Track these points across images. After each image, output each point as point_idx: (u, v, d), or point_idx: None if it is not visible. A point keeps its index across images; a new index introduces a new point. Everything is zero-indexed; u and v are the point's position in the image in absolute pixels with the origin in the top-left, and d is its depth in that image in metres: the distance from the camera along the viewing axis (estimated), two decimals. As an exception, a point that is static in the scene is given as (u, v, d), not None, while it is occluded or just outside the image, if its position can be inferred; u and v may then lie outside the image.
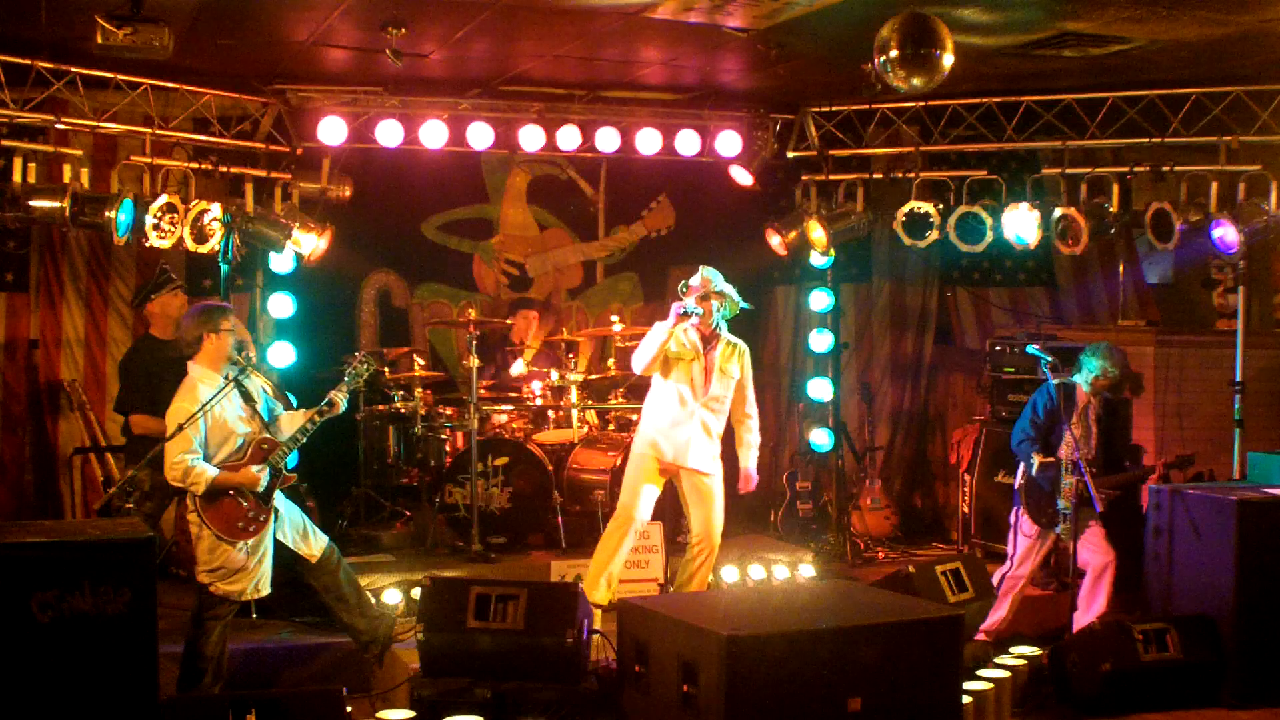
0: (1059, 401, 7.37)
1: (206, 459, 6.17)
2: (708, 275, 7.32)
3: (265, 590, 6.33)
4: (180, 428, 6.03)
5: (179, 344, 7.54)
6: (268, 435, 6.37)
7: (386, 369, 9.06)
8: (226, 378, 6.25)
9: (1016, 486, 7.51)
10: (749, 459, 7.51)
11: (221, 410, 6.23)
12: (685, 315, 7.14)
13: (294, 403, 8.56)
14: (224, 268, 7.90)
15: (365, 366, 6.77)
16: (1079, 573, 7.31)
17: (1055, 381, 7.44)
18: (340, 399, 6.54)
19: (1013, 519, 7.53)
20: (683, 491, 7.46)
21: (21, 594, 5.01)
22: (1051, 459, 7.29)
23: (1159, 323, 9.91)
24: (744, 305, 7.45)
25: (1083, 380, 7.45)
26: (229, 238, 7.91)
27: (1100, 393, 7.45)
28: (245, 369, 6.39)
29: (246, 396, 6.38)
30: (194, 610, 6.27)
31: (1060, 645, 6.87)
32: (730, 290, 7.34)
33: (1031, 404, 7.50)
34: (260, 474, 6.23)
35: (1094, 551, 7.28)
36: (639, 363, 7.30)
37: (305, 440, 6.46)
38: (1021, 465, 7.47)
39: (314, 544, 6.53)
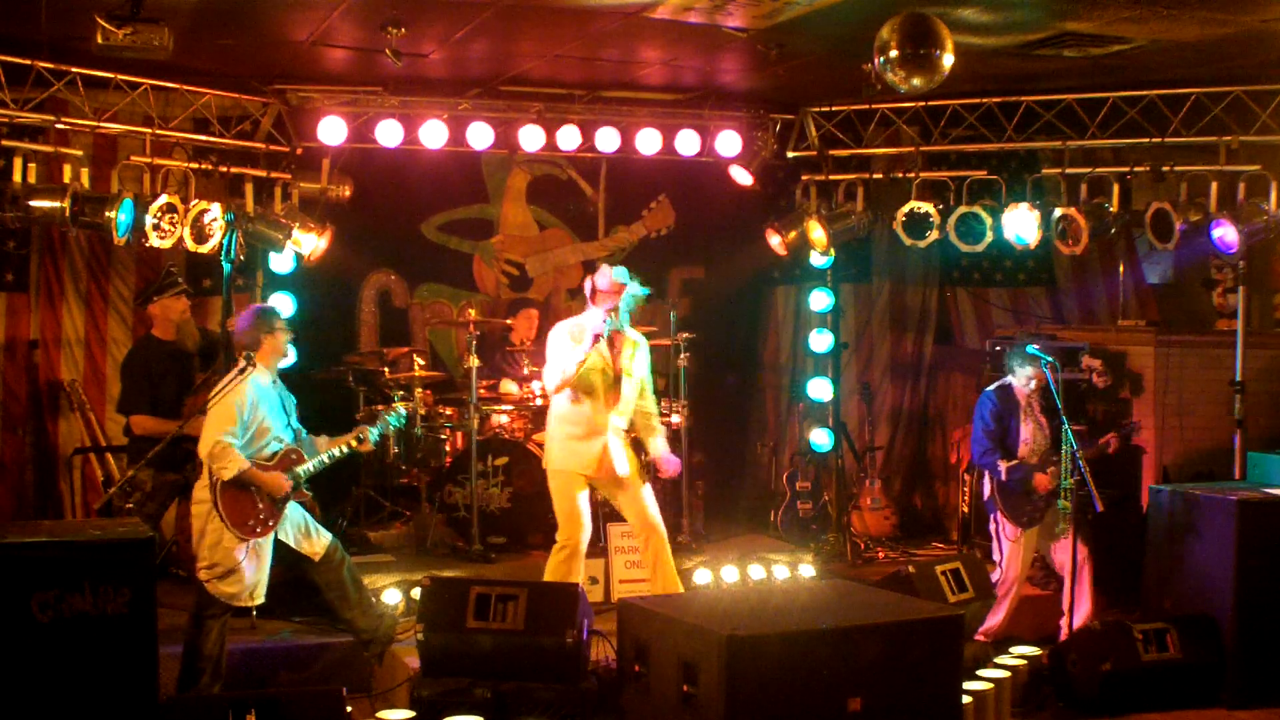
0: (1001, 405, 7.45)
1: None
2: (619, 278, 7.14)
3: (259, 599, 6.34)
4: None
5: (181, 344, 7.56)
6: (296, 448, 6.45)
7: (386, 369, 9.07)
8: (247, 365, 6.27)
9: (987, 497, 7.53)
10: (659, 446, 7.40)
11: (268, 413, 6.31)
12: (601, 336, 7.01)
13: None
14: (226, 266, 7.90)
15: (400, 418, 6.86)
16: (1061, 576, 7.34)
17: (991, 388, 7.55)
18: (370, 438, 6.67)
19: (992, 529, 7.55)
20: (609, 493, 7.39)
21: (21, 594, 5.01)
22: (1016, 461, 7.34)
23: (1159, 323, 9.90)
24: (644, 292, 7.23)
25: (1019, 380, 7.48)
26: (231, 236, 7.91)
27: (1031, 387, 7.48)
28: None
29: (283, 405, 6.49)
30: (192, 609, 6.28)
31: (1060, 645, 6.88)
32: (634, 287, 7.16)
33: (979, 416, 7.53)
34: (287, 483, 6.29)
35: (1068, 553, 7.31)
36: (554, 383, 7.12)
37: (328, 465, 6.57)
38: (989, 476, 7.49)
39: (316, 542, 6.54)
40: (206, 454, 6.13)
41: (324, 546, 6.55)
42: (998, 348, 9.35)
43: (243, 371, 6.23)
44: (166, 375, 7.42)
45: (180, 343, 7.59)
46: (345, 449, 6.62)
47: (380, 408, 6.92)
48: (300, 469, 6.39)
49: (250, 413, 6.22)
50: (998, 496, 7.43)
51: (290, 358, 8.67)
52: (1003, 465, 7.32)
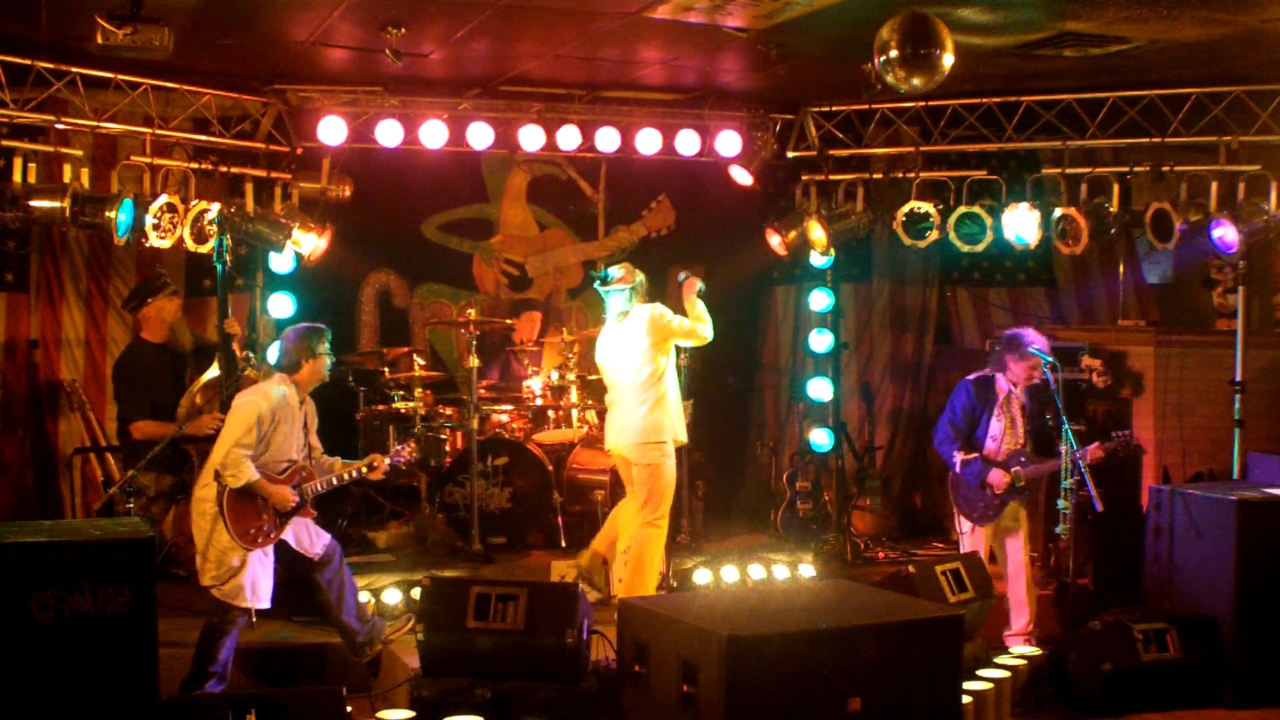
0: (975, 397, 7.40)
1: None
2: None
3: (264, 602, 6.35)
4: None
5: (172, 346, 7.57)
6: (308, 465, 6.48)
7: (386, 369, 9.06)
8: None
9: (949, 485, 7.49)
10: None
11: (286, 427, 6.33)
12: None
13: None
14: (219, 268, 7.92)
15: (411, 453, 6.90)
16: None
17: (971, 377, 7.49)
18: (384, 466, 6.67)
19: (957, 524, 7.53)
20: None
21: (21, 594, 5.00)
22: (974, 455, 7.29)
23: (1159, 323, 9.91)
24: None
25: (1005, 373, 7.44)
26: (222, 237, 7.91)
27: (1021, 383, 7.42)
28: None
29: (305, 424, 6.50)
30: (209, 617, 6.30)
31: (1060, 645, 6.87)
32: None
33: (949, 404, 7.50)
34: (294, 497, 6.32)
35: (1019, 552, 7.30)
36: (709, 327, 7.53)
37: (336, 487, 6.62)
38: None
39: (316, 542, 6.56)
40: (220, 460, 6.15)
41: (323, 547, 6.58)
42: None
43: (269, 377, 6.25)
44: (161, 378, 7.43)
45: (172, 344, 7.59)
46: (357, 474, 6.64)
47: (397, 446, 6.93)
48: (308, 486, 6.42)
49: (271, 427, 6.25)
50: (951, 488, 7.42)
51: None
52: (959, 456, 7.28)
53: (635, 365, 7.40)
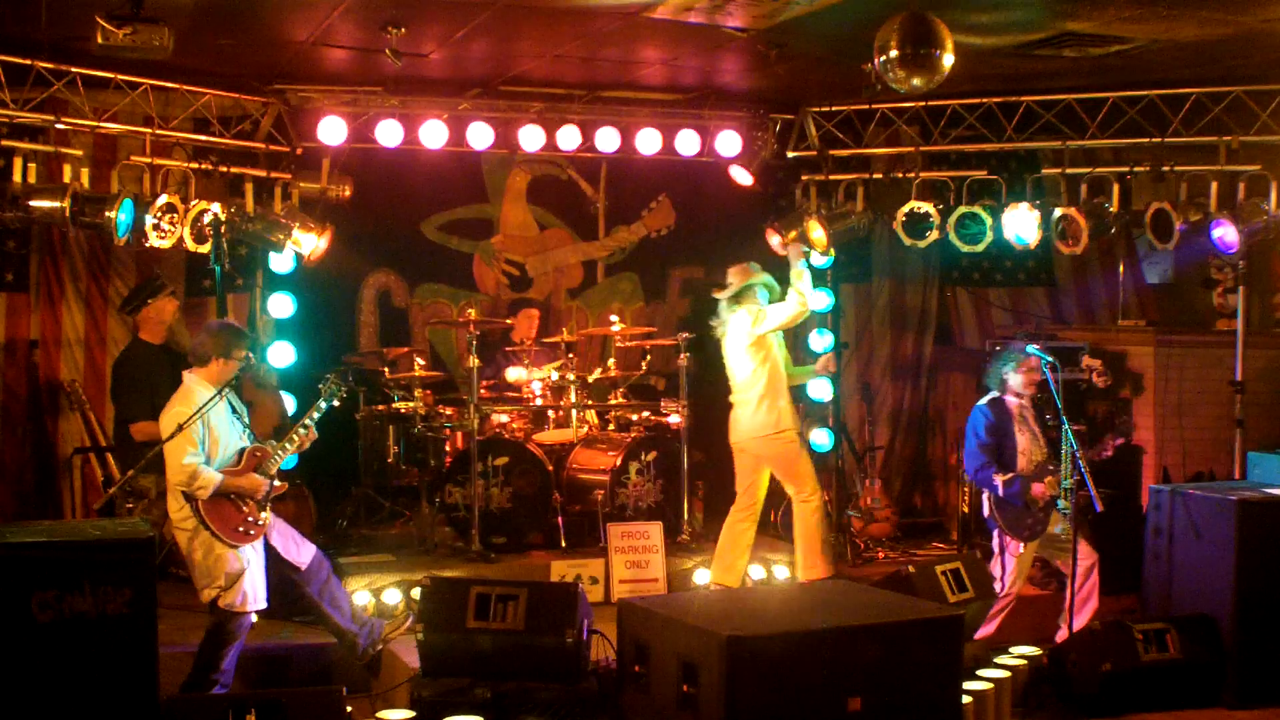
0: (996, 419, 7.36)
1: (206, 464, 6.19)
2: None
3: (263, 601, 6.34)
4: (180, 427, 6.02)
5: (171, 346, 7.56)
6: (259, 445, 6.43)
7: (386, 369, 9.07)
8: (220, 391, 6.26)
9: (987, 514, 7.38)
10: None
11: (219, 423, 6.28)
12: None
13: (295, 402, 8.57)
14: (216, 270, 7.91)
15: (337, 388, 6.72)
16: (1062, 576, 7.29)
17: (984, 402, 7.45)
18: (315, 416, 6.57)
19: (996, 546, 7.41)
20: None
21: (21, 594, 5.01)
22: (1011, 475, 7.23)
23: (1159, 323, 9.91)
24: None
25: (1013, 387, 7.40)
26: (218, 240, 7.90)
27: (1026, 393, 7.42)
28: (233, 385, 6.45)
29: (234, 409, 6.45)
30: (210, 625, 6.28)
31: (1060, 645, 6.88)
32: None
33: (971, 430, 7.41)
34: (263, 481, 6.29)
35: (1079, 556, 7.27)
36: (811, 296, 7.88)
37: (291, 452, 6.53)
38: (986, 491, 7.35)
39: (303, 550, 6.57)
40: (180, 480, 6.10)
41: (310, 557, 6.59)
42: (997, 348, 9.35)
43: (220, 392, 6.23)
44: (161, 379, 7.42)
45: (170, 344, 7.59)
46: (306, 425, 6.52)
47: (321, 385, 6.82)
48: (269, 464, 6.36)
49: (203, 428, 6.19)
50: (997, 513, 7.30)
51: (290, 357, 8.77)
52: (999, 479, 7.21)
53: (736, 367, 7.89)
